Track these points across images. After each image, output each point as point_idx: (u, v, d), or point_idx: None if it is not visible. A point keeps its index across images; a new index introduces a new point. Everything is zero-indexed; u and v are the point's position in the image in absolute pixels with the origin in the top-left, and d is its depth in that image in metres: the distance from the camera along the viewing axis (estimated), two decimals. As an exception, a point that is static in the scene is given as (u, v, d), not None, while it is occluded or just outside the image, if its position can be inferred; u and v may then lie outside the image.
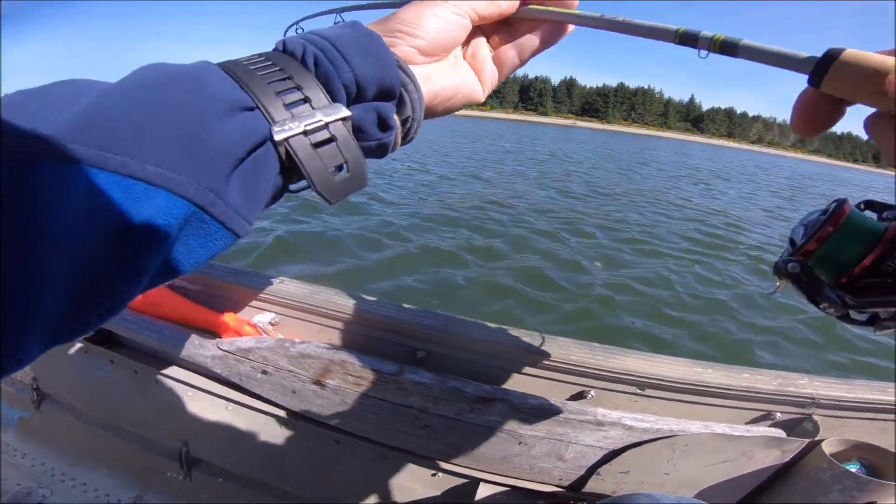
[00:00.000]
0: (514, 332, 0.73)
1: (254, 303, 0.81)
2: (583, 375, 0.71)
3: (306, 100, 0.24)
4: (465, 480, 0.78)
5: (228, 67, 0.23)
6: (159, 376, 0.88)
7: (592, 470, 0.71)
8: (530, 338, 0.72)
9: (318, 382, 0.73)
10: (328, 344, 0.75)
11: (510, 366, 0.73)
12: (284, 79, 0.24)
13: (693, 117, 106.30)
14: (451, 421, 0.70)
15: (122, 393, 0.96)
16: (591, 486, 0.73)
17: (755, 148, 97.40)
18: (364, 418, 0.74)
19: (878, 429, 0.75)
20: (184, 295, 0.84)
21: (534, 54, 0.34)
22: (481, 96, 0.34)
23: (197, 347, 0.77)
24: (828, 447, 0.71)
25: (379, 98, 0.26)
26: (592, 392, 0.72)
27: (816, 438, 0.72)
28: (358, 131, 0.26)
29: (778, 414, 0.72)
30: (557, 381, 0.72)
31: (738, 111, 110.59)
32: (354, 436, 0.78)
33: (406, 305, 0.77)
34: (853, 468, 0.71)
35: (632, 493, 0.51)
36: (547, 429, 0.68)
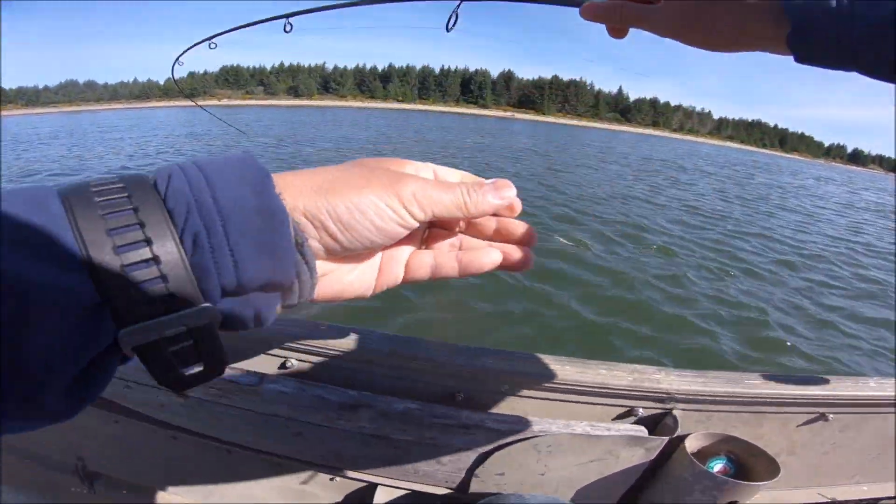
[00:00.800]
0: (382, 335, 0.74)
1: None
2: (451, 377, 0.72)
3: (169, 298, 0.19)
4: (363, 484, 0.80)
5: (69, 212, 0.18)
6: None
7: (471, 472, 0.73)
8: (398, 341, 0.73)
9: (181, 395, 0.71)
10: None
11: (379, 370, 0.73)
12: (147, 260, 0.19)
13: (621, 108, 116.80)
14: (321, 428, 0.70)
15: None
16: (475, 487, 0.75)
17: (677, 136, 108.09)
18: (238, 428, 0.74)
19: (741, 421, 0.77)
20: None
21: (450, 275, 0.29)
22: (367, 296, 0.29)
23: None
24: (691, 443, 0.73)
25: (262, 289, 0.22)
26: (461, 394, 0.74)
27: (679, 434, 0.73)
28: (227, 322, 0.22)
29: (640, 410, 0.73)
30: (426, 383, 0.73)
31: (661, 101, 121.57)
32: (242, 446, 0.79)
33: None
34: (719, 463, 0.74)
35: (502, 493, 0.52)
36: (417, 433, 0.69)
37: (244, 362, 0.77)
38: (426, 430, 0.69)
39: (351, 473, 0.80)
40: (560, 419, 0.73)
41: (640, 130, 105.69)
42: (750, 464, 0.77)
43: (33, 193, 0.18)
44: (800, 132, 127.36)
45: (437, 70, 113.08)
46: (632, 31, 0.41)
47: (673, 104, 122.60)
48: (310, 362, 0.75)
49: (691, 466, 0.72)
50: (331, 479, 0.84)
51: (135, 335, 0.19)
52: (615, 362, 0.77)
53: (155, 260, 0.19)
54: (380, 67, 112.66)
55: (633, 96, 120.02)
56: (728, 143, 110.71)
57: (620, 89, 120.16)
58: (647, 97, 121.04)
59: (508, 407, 0.76)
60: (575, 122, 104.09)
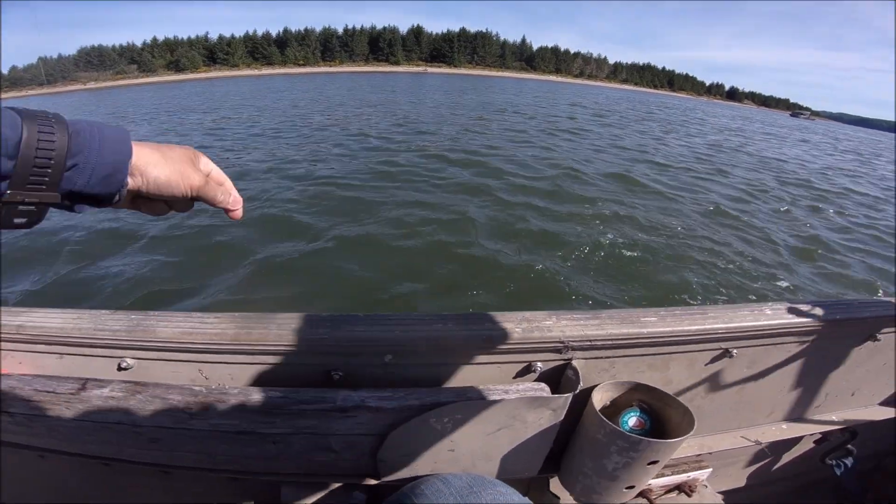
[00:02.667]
0: (225, 317, 0.64)
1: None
2: (322, 354, 0.63)
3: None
4: (261, 486, 0.74)
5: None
6: None
7: (373, 457, 0.65)
8: (246, 320, 0.63)
9: (2, 411, 0.62)
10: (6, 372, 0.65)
11: (234, 358, 0.64)
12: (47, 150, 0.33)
13: (526, 56, 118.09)
14: (177, 431, 0.60)
15: None
16: (387, 473, 0.68)
17: (579, 81, 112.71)
18: (79, 439, 0.64)
19: (647, 365, 0.71)
20: None
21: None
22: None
23: None
24: (599, 396, 0.68)
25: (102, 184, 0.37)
26: (336, 373, 0.65)
27: (584, 387, 0.67)
28: (75, 197, 0.36)
29: (539, 364, 0.67)
30: (292, 364, 0.64)
31: (563, 49, 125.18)
32: (116, 459, 0.69)
33: (96, 311, 0.67)
34: (633, 417, 0.69)
35: (423, 476, 0.47)
36: (290, 423, 0.60)
37: (72, 363, 0.68)
38: (300, 418, 0.61)
39: (239, 475, 0.71)
40: (451, 385, 0.67)
41: (544, 77, 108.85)
42: (666, 414, 0.71)
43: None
44: (685, 73, 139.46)
45: (341, 31, 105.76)
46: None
47: (573, 52, 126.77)
48: (147, 359, 0.66)
49: (602, 426, 0.66)
50: (233, 479, 0.75)
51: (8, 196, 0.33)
52: (503, 311, 0.70)
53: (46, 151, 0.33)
54: (274, 33, 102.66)
55: (535, 45, 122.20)
56: (624, 86, 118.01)
57: (524, 39, 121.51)
58: (550, 45, 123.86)
59: (393, 379, 0.68)
60: (485, 72, 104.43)
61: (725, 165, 9.33)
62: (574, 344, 0.67)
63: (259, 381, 0.66)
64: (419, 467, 0.68)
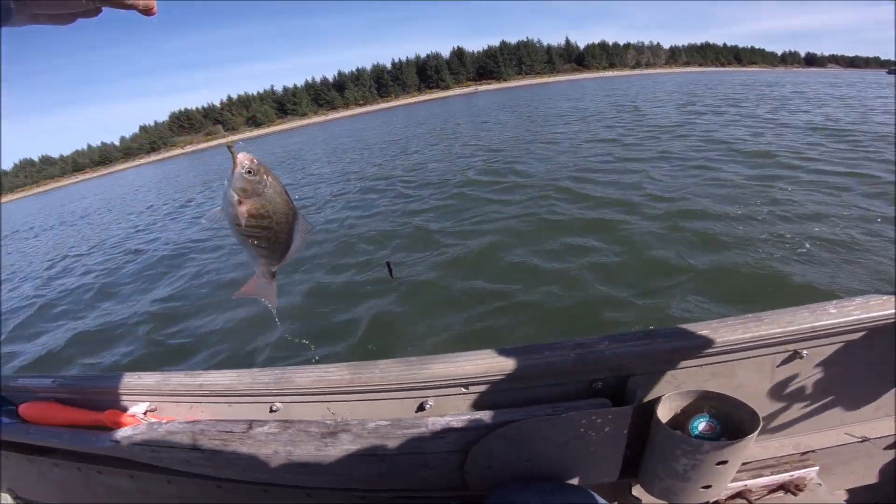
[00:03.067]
0: (342, 366, 0.83)
1: (127, 397, 0.97)
2: (413, 389, 0.80)
3: None
4: (384, 499, 0.88)
5: None
6: (103, 469, 1.07)
7: (461, 470, 0.77)
8: (357, 368, 0.82)
9: (195, 448, 0.82)
10: (190, 420, 0.88)
11: (352, 398, 0.83)
12: None
13: (575, 56, 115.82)
14: (317, 457, 0.77)
15: (77, 490, 1.14)
16: (472, 483, 0.79)
17: (636, 72, 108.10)
18: (249, 468, 0.82)
19: (712, 374, 0.76)
20: (70, 404, 1.02)
21: None
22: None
23: (95, 441, 0.91)
24: (666, 406, 0.73)
25: None
26: (430, 401, 0.81)
27: (648, 399, 0.74)
28: None
29: (599, 383, 0.75)
30: (399, 399, 0.82)
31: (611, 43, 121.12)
32: (273, 484, 0.89)
33: (250, 370, 0.90)
34: (703, 422, 0.73)
35: (505, 487, 0.53)
36: (395, 445, 0.75)
37: (239, 410, 0.91)
38: (402, 441, 0.76)
39: (364, 493, 0.86)
40: (521, 406, 0.77)
41: (599, 74, 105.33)
42: (737, 417, 0.74)
43: None
44: (749, 46, 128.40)
45: (389, 65, 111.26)
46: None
47: (622, 44, 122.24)
48: (290, 402, 0.87)
49: (666, 432, 0.72)
50: (361, 498, 0.90)
51: None
52: (557, 341, 0.79)
53: None
54: (330, 76, 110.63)
55: (582, 44, 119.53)
56: (687, 69, 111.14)
57: (567, 40, 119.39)
58: (596, 42, 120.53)
59: (472, 405, 0.81)
60: (537, 80, 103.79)
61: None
62: (630, 361, 0.74)
63: (371, 413, 0.83)
64: (500, 478, 0.78)
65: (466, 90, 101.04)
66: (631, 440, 0.76)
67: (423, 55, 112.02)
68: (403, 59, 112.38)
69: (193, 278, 5.46)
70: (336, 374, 0.83)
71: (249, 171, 0.59)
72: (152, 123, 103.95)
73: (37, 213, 24.62)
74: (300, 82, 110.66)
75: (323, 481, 0.82)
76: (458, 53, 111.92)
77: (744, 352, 0.77)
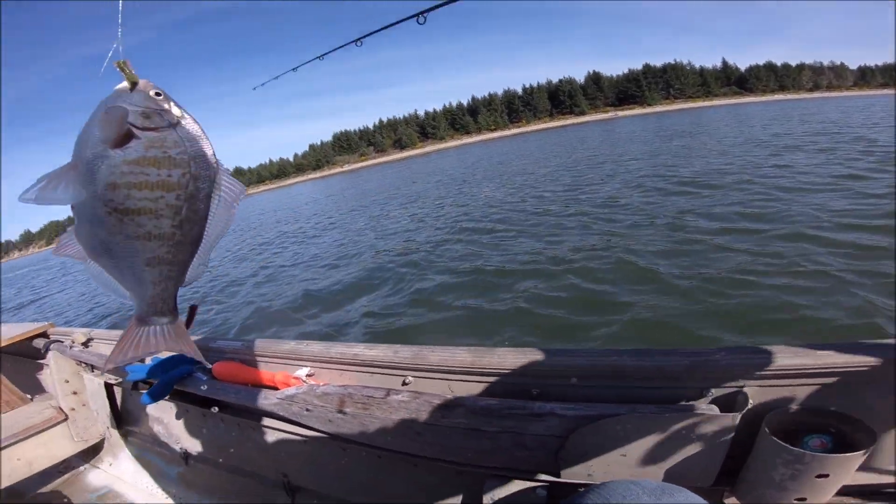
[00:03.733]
0: (464, 350, 0.94)
1: (294, 362, 1.17)
2: (526, 376, 0.87)
3: None
4: (472, 479, 0.94)
5: None
6: (255, 425, 1.23)
7: (556, 455, 0.81)
8: (478, 352, 0.92)
9: (340, 411, 0.97)
10: (341, 385, 1.04)
11: (469, 378, 0.93)
12: None
13: (735, 79, 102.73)
14: (430, 426, 0.87)
15: (235, 442, 1.32)
16: (566, 470, 0.82)
17: (815, 95, 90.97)
18: (377, 432, 0.94)
19: (831, 393, 0.73)
20: (251, 365, 1.22)
21: None
22: None
23: (264, 399, 1.07)
24: (775, 419, 0.71)
25: None
26: (535, 390, 0.87)
27: (755, 411, 0.72)
28: None
29: (712, 391, 0.74)
30: (508, 383, 0.89)
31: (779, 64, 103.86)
32: (388, 450, 0.99)
33: (392, 345, 1.02)
34: (815, 439, 0.70)
35: (611, 481, 0.52)
36: (500, 424, 0.82)
37: (379, 380, 1.05)
38: (506, 420, 0.81)
39: (461, 467, 0.94)
40: (626, 403, 0.79)
41: (766, 98, 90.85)
42: (851, 437, 0.70)
43: None
44: None
45: (520, 90, 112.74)
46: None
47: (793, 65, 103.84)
48: (420, 377, 0.99)
49: (770, 442, 0.70)
50: (456, 474, 0.98)
51: None
52: (675, 347, 0.80)
53: None
54: (464, 101, 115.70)
55: (741, 66, 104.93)
56: (883, 91, 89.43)
57: (725, 61, 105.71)
58: (760, 63, 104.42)
59: (577, 397, 0.84)
60: (687, 105, 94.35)
61: None
62: (744, 373, 0.74)
63: (484, 393, 0.92)
64: (593, 467, 0.80)
65: (604, 116, 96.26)
66: (733, 449, 0.75)
67: (554, 80, 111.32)
68: (534, 83, 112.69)
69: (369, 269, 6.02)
70: (460, 356, 0.94)
71: (158, 93, 0.39)
72: (319, 143, 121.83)
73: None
74: (438, 106, 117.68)
75: (431, 451, 0.92)
76: (594, 78, 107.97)
77: (866, 374, 0.72)
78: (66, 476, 1.76)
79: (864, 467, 0.69)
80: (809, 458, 0.66)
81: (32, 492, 1.67)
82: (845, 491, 0.74)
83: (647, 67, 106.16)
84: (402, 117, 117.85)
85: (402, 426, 0.91)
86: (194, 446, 1.47)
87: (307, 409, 1.02)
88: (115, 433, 1.76)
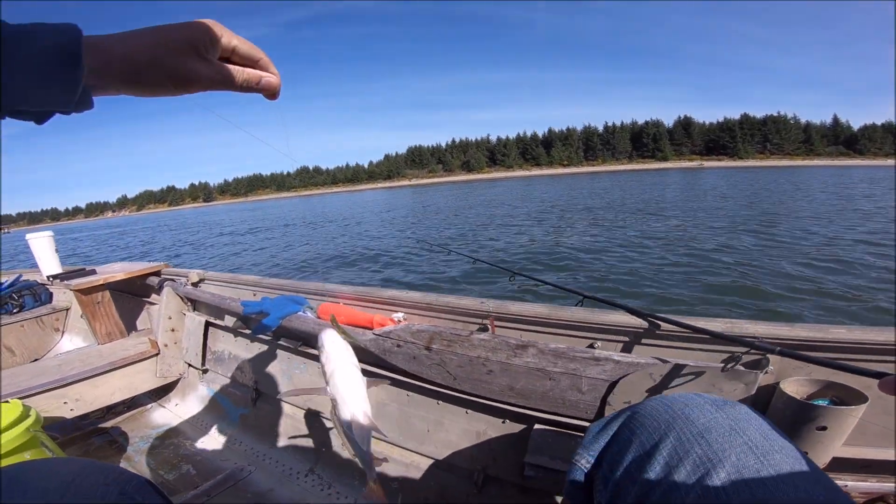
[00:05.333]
0: (547, 306, 1.04)
1: (392, 307, 1.31)
2: (589, 330, 0.99)
3: None
4: (523, 426, 1.03)
5: None
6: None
7: (604, 401, 0.89)
8: (556, 308, 1.02)
9: (427, 348, 1.07)
10: (432, 324, 1.17)
11: (542, 329, 1.05)
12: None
13: (844, 139, 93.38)
14: (503, 364, 0.98)
15: (311, 384, 1.40)
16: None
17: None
18: (454, 371, 1.04)
19: (833, 372, 0.77)
20: (352, 306, 1.37)
21: None
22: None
23: (360, 335, 1.18)
24: (791, 384, 0.79)
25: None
26: (598, 343, 0.98)
27: (776, 374, 0.82)
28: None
29: (742, 357, 0.81)
30: (574, 336, 1.00)
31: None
32: (449, 396, 1.11)
33: (480, 298, 1.15)
34: (823, 403, 0.76)
35: (673, 394, 0.55)
36: (565, 366, 0.91)
37: (464, 327, 1.14)
38: (571, 362, 0.91)
39: (515, 410, 1.00)
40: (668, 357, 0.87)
41: (878, 162, 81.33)
42: (848, 404, 0.75)
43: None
44: None
45: (601, 128, 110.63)
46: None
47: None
48: (500, 326, 1.09)
49: (781, 397, 0.77)
50: (503, 422, 1.06)
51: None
52: (711, 318, 0.88)
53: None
54: (539, 133, 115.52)
55: (855, 124, 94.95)
56: None
57: (836, 118, 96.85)
58: (877, 123, 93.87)
59: (630, 350, 0.95)
60: (783, 162, 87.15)
61: None
62: (768, 342, 0.79)
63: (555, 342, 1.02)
64: None
65: (688, 164, 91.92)
66: (754, 405, 0.81)
67: (639, 121, 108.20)
68: (617, 122, 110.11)
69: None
70: (537, 309, 1.05)
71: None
72: (394, 154, 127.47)
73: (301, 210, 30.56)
74: (511, 134, 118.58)
75: (495, 389, 1.00)
76: (685, 123, 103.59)
77: (878, 355, 0.79)
78: (132, 412, 1.85)
79: (856, 442, 0.78)
80: (811, 408, 0.75)
81: (96, 424, 1.75)
82: (840, 467, 0.81)
83: (745, 117, 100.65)
84: (473, 140, 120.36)
85: (476, 362, 1.01)
86: (268, 387, 1.54)
87: (398, 346, 1.13)
88: (193, 373, 1.86)
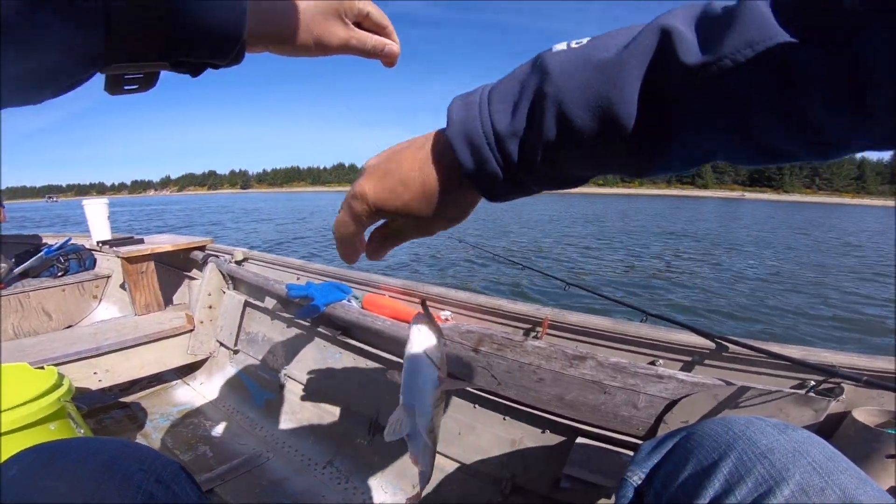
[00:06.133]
0: (610, 319, 1.00)
1: (438, 305, 1.25)
2: (652, 347, 0.94)
3: None
4: (563, 438, 0.99)
5: None
6: (370, 357, 1.30)
7: (660, 419, 0.85)
8: (620, 322, 0.98)
9: (475, 350, 1.03)
10: (481, 326, 1.11)
11: (598, 342, 1.00)
12: None
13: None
14: (556, 374, 0.93)
15: (344, 374, 1.36)
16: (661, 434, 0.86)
17: None
18: (500, 376, 1.00)
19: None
20: (397, 300, 1.33)
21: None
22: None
23: (403, 330, 1.14)
24: (862, 414, 0.76)
25: None
26: (660, 361, 0.94)
27: (846, 403, 0.78)
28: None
29: (811, 382, 0.80)
30: (634, 352, 0.96)
31: None
32: (487, 401, 1.08)
33: (532, 304, 1.11)
34: (892, 432, 0.74)
35: (729, 416, 0.54)
36: (623, 380, 0.87)
37: (513, 325, 1.12)
38: (631, 377, 0.87)
39: (558, 420, 0.96)
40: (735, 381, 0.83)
41: None
42: None
43: None
44: None
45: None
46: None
47: None
48: (555, 329, 1.05)
49: (854, 425, 0.74)
50: (542, 432, 1.03)
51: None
52: (783, 343, 0.84)
53: None
54: None
55: None
56: None
57: None
58: None
59: (691, 370, 0.91)
60: (830, 199, 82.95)
61: None
62: (844, 371, 0.75)
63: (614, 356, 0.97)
64: None
65: (729, 193, 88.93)
66: (821, 434, 0.74)
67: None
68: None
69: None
70: (598, 321, 1.00)
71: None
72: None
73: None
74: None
75: (539, 399, 0.96)
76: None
77: None
78: (156, 388, 1.80)
79: None
80: (882, 436, 0.72)
81: (118, 397, 1.71)
82: None
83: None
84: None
85: (526, 369, 0.97)
86: (298, 373, 1.50)
87: (444, 346, 1.10)
88: (223, 353, 1.81)
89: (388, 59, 0.41)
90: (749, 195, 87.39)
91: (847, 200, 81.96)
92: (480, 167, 0.28)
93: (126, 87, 0.29)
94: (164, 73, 0.30)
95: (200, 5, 0.27)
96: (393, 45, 0.40)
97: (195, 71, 0.31)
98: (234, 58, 0.31)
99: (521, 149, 0.27)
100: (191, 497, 0.46)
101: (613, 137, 0.25)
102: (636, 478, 0.47)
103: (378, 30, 0.39)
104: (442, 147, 0.30)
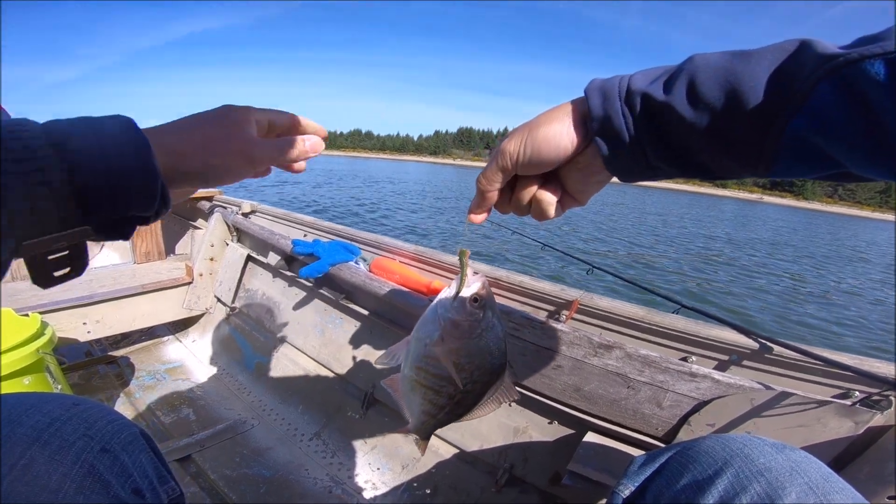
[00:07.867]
0: (643, 309, 0.92)
1: (451, 274, 1.17)
2: (686, 342, 0.87)
3: None
4: (572, 431, 0.94)
5: None
6: (374, 325, 1.23)
7: (684, 419, 0.80)
8: (654, 313, 0.91)
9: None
10: (501, 302, 1.01)
11: (627, 331, 0.93)
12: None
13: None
14: (577, 362, 0.85)
15: (342, 341, 1.30)
16: (682, 437, 0.80)
17: None
18: (512, 359, 0.92)
19: None
20: (409, 266, 1.23)
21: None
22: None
23: (410, 299, 1.07)
24: None
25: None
26: (694, 358, 0.87)
27: (886, 417, 0.73)
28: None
29: (857, 392, 0.75)
30: (665, 345, 0.89)
31: None
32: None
33: (558, 284, 1.02)
34: None
35: (729, 434, 0.52)
36: (651, 375, 0.80)
37: (535, 305, 1.03)
38: (660, 373, 0.79)
39: (570, 412, 0.89)
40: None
41: None
42: None
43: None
44: None
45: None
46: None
47: None
48: (582, 313, 0.96)
49: (892, 439, 0.70)
50: (549, 423, 0.97)
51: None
52: (834, 350, 0.78)
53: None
54: None
55: None
56: None
57: None
58: None
59: (724, 370, 0.83)
60: (850, 210, 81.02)
61: None
62: (891, 379, 0.71)
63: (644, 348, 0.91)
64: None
65: (748, 195, 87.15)
66: (853, 445, 0.75)
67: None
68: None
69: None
70: (631, 308, 0.93)
71: (476, 301, 0.44)
72: (444, 131, 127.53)
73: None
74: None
75: (553, 388, 0.89)
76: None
77: None
78: (146, 342, 1.73)
79: None
80: None
81: (105, 351, 1.64)
82: None
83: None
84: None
85: (544, 354, 0.90)
86: (294, 337, 1.44)
87: None
88: (220, 310, 1.75)
89: (315, 153, 0.41)
90: (767, 198, 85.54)
91: (867, 213, 79.67)
92: (607, 116, 0.31)
93: (55, 274, 0.28)
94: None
95: (97, 152, 0.26)
96: (317, 143, 0.41)
97: (123, 230, 0.30)
98: (161, 202, 0.30)
99: (646, 104, 0.30)
100: (143, 469, 0.41)
101: (735, 112, 0.27)
102: (627, 491, 0.46)
103: (290, 131, 0.40)
104: (579, 103, 0.34)
